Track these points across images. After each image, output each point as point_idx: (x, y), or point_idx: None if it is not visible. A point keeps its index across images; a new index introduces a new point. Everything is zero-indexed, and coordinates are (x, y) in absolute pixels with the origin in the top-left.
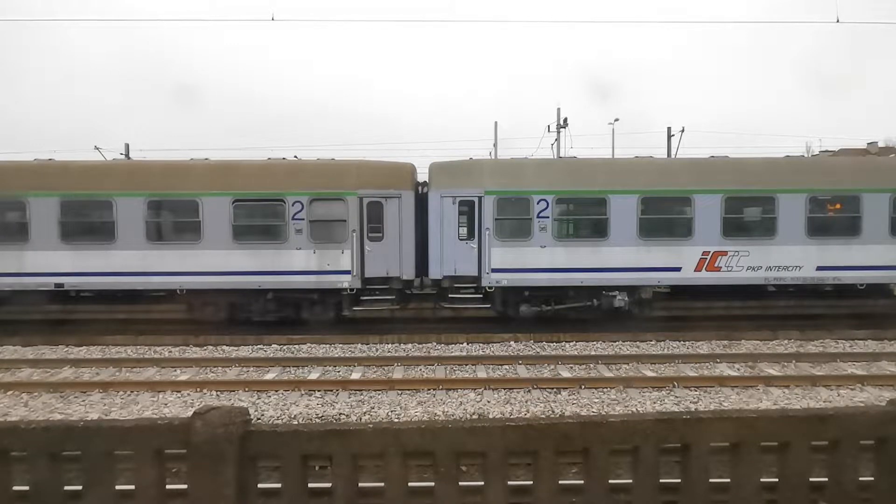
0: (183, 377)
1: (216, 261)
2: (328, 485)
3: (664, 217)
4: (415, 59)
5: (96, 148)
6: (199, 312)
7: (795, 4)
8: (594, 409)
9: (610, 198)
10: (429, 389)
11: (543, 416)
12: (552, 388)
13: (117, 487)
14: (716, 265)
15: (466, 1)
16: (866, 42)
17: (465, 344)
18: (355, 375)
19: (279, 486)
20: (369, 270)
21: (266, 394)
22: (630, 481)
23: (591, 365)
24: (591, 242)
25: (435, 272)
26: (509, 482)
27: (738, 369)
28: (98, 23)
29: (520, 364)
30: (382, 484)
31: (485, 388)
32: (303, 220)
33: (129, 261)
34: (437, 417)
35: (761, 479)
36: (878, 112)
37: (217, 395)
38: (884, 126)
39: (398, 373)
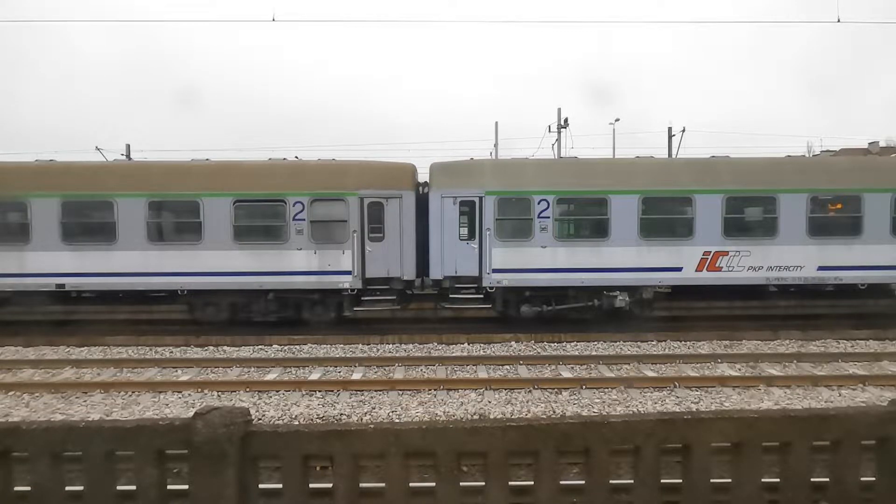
0: (184, 377)
1: (217, 261)
2: (329, 485)
3: (665, 217)
4: (415, 59)
5: (97, 149)
6: (201, 313)
7: (795, 4)
8: (595, 410)
9: (611, 198)
10: (430, 390)
11: (544, 416)
12: (553, 389)
13: (118, 488)
14: (717, 265)
15: (467, 1)
16: (867, 42)
17: (465, 344)
18: (356, 376)
19: (280, 486)
20: (370, 271)
21: (267, 394)
22: (631, 481)
23: (592, 365)
24: (592, 242)
25: (436, 272)
26: (510, 482)
27: (740, 369)
28: (98, 23)
29: (521, 364)
30: (383, 484)
31: (486, 389)
32: (304, 220)
33: (130, 261)
34: (438, 418)
35: (762, 480)
36: (878, 112)
37: (218, 395)
38: (885, 126)
39: (399, 373)
